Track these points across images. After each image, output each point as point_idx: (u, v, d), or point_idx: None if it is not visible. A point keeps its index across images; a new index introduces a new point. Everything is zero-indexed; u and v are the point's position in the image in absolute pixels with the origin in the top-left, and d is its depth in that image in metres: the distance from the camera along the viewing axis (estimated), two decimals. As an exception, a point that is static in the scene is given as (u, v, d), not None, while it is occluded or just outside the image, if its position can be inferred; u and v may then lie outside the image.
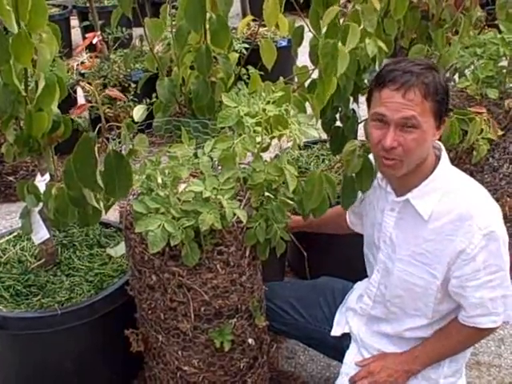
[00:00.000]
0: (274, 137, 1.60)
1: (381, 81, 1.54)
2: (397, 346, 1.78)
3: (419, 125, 1.50)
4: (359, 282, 1.95)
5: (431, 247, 1.61)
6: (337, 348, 1.90)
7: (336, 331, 1.90)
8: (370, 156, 1.71)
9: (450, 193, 1.60)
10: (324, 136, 2.25)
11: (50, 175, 1.99)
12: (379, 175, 1.73)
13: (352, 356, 1.83)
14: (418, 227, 1.63)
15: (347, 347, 1.86)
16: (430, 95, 1.50)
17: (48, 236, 2.04)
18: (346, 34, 1.65)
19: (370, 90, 1.62)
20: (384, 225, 1.72)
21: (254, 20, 2.33)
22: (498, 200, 2.59)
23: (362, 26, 1.72)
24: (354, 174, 1.72)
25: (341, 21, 1.71)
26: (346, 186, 1.77)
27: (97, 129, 1.51)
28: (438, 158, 1.65)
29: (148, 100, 3.49)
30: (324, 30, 1.68)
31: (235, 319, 1.71)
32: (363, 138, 2.03)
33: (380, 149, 1.56)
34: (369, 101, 1.62)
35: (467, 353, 1.79)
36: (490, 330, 1.68)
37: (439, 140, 1.66)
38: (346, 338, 1.88)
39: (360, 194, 1.78)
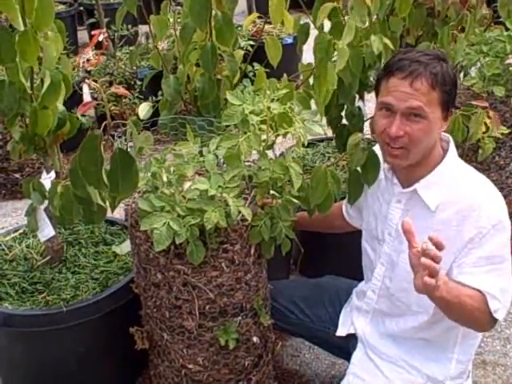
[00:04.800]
0: (278, 135, 1.59)
1: (389, 69, 1.54)
2: (402, 349, 1.76)
3: (426, 115, 1.50)
4: (364, 282, 1.94)
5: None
6: (342, 347, 1.90)
7: (341, 332, 1.89)
8: (375, 148, 1.70)
9: (457, 183, 1.60)
10: (329, 133, 2.25)
11: (56, 173, 1.99)
12: (385, 166, 1.72)
13: (359, 356, 1.82)
14: (425, 218, 1.61)
15: (353, 347, 1.85)
16: (438, 85, 1.49)
17: (53, 233, 2.05)
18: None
19: (377, 79, 1.61)
20: (389, 217, 1.71)
21: (259, 17, 2.32)
22: (504, 198, 2.59)
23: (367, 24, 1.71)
24: (359, 168, 1.72)
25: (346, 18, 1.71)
26: (352, 180, 1.77)
27: (102, 126, 1.50)
28: (445, 151, 1.64)
29: (154, 97, 3.49)
30: (326, 27, 1.67)
31: (240, 317, 1.71)
32: (369, 136, 2.02)
33: (385, 137, 1.56)
34: (377, 90, 1.61)
35: (473, 354, 1.76)
36: (490, 320, 1.54)
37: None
38: (352, 337, 1.87)
39: (366, 187, 1.78)
